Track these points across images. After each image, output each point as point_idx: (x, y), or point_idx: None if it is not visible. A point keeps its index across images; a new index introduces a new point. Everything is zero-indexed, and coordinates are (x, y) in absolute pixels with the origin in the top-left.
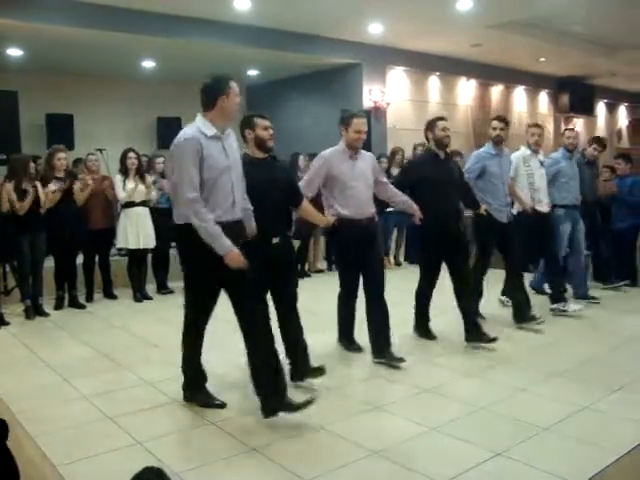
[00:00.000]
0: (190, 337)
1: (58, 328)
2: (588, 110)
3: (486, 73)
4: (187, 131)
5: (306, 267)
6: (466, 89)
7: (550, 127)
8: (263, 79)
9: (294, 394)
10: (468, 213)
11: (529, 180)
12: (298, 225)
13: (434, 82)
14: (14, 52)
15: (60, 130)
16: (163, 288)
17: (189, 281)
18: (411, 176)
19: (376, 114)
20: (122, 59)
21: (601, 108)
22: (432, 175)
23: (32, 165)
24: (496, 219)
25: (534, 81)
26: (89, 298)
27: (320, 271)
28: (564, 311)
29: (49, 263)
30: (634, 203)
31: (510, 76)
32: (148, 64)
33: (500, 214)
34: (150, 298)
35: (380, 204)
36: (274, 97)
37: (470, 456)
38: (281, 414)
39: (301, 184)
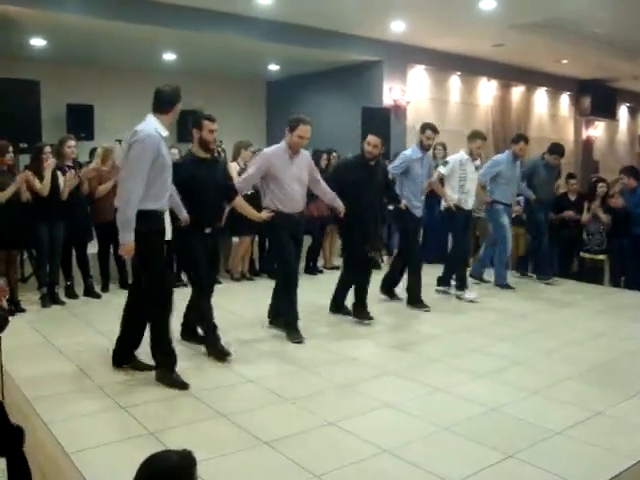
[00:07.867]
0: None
1: (73, 316)
2: (610, 113)
3: (507, 74)
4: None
5: (320, 263)
6: (487, 89)
7: (571, 130)
8: (283, 74)
9: None
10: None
11: (460, 182)
12: (311, 222)
13: (455, 82)
14: (38, 42)
15: (80, 120)
16: (176, 279)
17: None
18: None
19: (396, 112)
20: (144, 51)
21: (623, 112)
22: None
23: (48, 152)
24: (413, 213)
25: (555, 83)
26: (105, 288)
27: (335, 267)
28: (461, 298)
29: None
30: None
31: (531, 77)
32: (169, 57)
33: (416, 210)
34: None
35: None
36: (294, 92)
37: (481, 457)
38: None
39: (240, 179)
